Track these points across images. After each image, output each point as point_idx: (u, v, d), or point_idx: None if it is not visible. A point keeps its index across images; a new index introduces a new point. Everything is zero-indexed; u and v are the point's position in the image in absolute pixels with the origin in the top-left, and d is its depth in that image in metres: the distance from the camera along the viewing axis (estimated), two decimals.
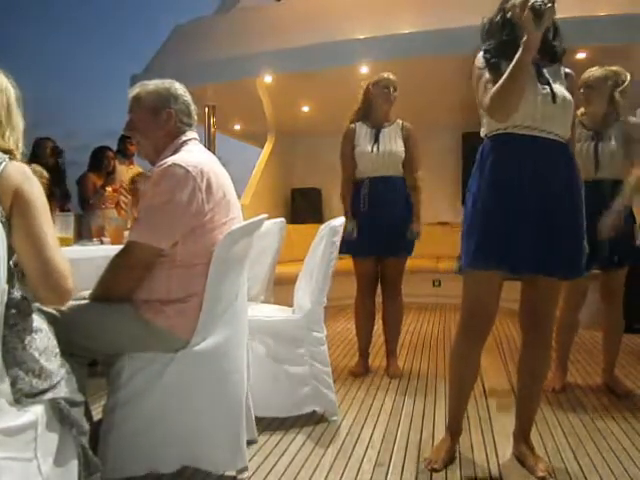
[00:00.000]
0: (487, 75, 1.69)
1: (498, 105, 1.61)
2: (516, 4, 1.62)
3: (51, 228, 1.14)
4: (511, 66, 1.57)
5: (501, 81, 1.59)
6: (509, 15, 1.67)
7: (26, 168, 1.14)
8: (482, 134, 1.79)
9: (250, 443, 1.87)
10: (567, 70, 1.77)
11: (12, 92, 1.20)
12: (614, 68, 2.48)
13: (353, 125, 2.93)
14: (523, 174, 1.67)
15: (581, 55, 4.33)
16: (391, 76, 2.87)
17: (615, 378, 2.62)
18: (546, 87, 1.66)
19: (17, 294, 1.12)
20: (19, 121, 1.21)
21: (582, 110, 2.55)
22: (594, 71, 2.48)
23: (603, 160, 2.44)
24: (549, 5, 1.51)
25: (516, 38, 1.64)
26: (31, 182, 1.13)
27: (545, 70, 1.70)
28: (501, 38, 1.70)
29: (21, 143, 1.21)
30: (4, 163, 1.09)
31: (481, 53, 1.74)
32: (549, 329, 1.80)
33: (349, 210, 2.87)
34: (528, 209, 1.66)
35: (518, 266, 1.68)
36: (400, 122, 2.93)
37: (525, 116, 1.65)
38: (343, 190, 2.94)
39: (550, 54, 1.73)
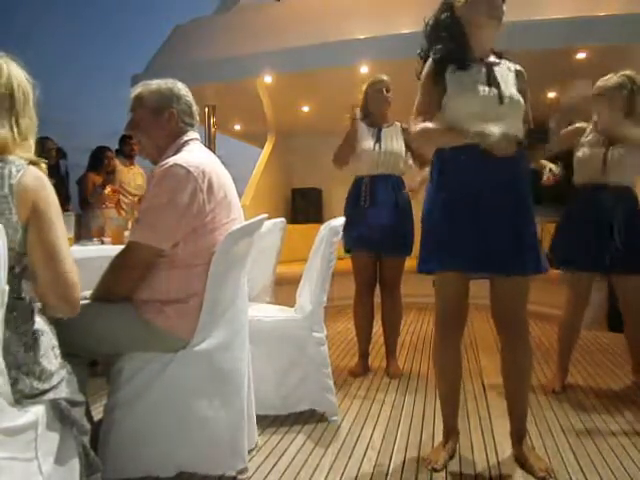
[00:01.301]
0: (420, 97, 1.73)
1: (417, 146, 1.70)
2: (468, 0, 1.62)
3: (65, 237, 1.16)
4: (440, 136, 1.67)
5: (428, 132, 1.67)
6: (457, 13, 1.67)
7: (42, 176, 1.14)
8: None
9: (250, 450, 1.85)
10: (518, 67, 1.78)
11: (31, 102, 1.20)
12: (628, 73, 2.37)
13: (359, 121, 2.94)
14: (467, 176, 1.68)
15: (581, 55, 4.33)
16: (385, 77, 2.88)
17: None
18: (494, 89, 1.67)
19: (19, 295, 1.12)
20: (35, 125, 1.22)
21: (595, 118, 2.48)
22: (607, 80, 2.39)
23: (611, 165, 2.38)
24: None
25: (463, 39, 1.67)
26: (47, 191, 1.14)
27: (496, 69, 1.70)
28: (448, 41, 1.69)
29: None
30: (22, 170, 1.10)
31: (426, 69, 1.73)
32: (520, 326, 1.78)
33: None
34: (471, 208, 1.67)
35: (464, 266, 1.70)
36: (399, 124, 2.93)
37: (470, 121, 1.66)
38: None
39: (496, 54, 1.76)
